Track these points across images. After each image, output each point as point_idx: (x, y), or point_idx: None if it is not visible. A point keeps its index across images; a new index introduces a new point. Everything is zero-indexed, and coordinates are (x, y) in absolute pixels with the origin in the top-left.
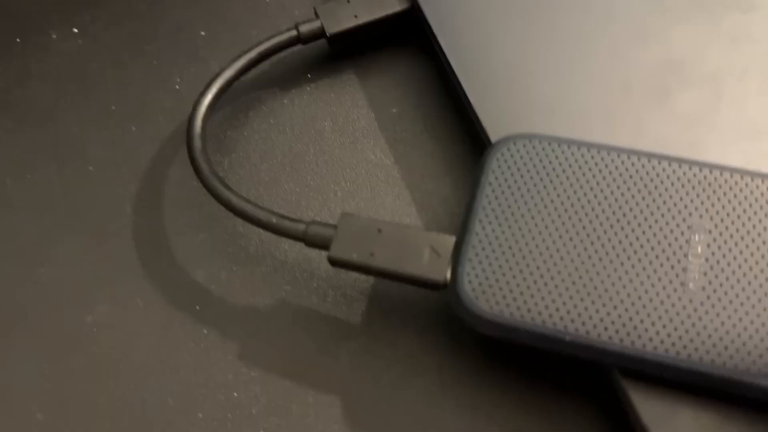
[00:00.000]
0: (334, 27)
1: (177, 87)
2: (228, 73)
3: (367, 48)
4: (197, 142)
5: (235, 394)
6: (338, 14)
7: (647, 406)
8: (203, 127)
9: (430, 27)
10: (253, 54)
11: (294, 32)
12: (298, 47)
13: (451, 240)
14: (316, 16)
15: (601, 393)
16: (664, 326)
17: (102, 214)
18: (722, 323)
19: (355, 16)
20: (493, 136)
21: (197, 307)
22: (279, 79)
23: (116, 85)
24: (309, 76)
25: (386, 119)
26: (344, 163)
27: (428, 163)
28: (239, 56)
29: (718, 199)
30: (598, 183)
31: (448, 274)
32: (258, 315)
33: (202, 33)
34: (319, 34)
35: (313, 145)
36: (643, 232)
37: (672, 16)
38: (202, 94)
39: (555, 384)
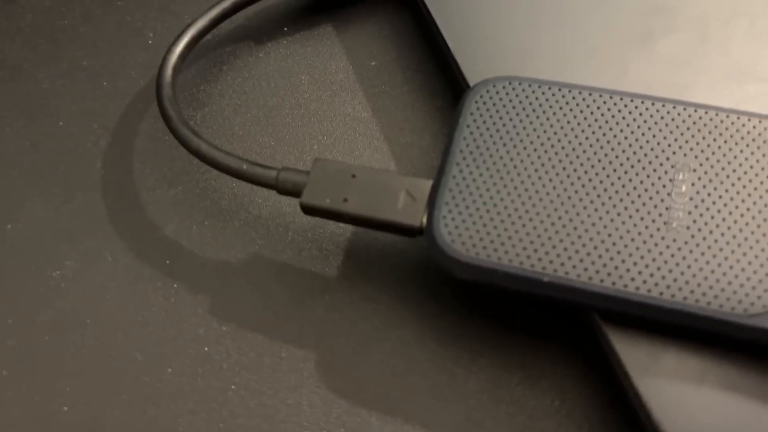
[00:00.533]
0: None
1: (150, 42)
2: (201, 23)
3: (345, 0)
4: (167, 90)
5: (206, 349)
6: None
7: (629, 351)
8: (174, 76)
9: None
10: (227, 4)
11: None
12: None
13: (428, 184)
14: None
15: (580, 342)
16: (646, 266)
17: (71, 170)
18: (707, 262)
19: None
20: (473, 81)
21: (167, 262)
22: (254, 33)
23: (88, 41)
24: (285, 29)
25: (365, 72)
26: (321, 116)
27: (407, 116)
28: (213, 6)
29: (703, 137)
30: (579, 123)
31: (424, 219)
32: (230, 269)
33: None
34: None
35: (289, 99)
36: (625, 172)
37: None
38: (174, 42)
39: (533, 335)
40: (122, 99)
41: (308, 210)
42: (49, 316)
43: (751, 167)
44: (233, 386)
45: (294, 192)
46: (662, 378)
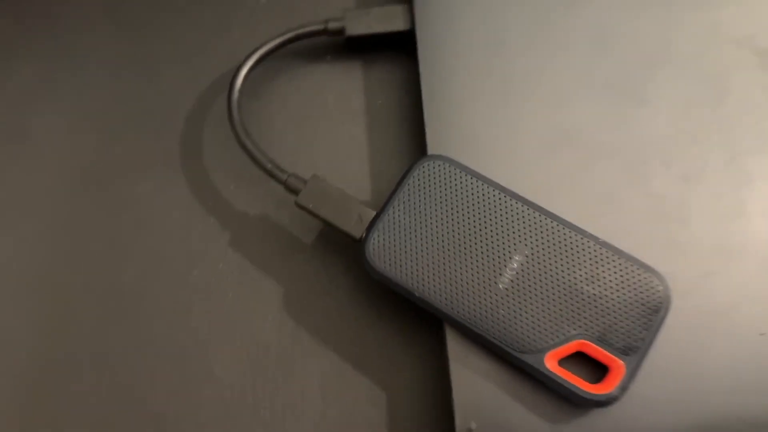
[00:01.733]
0: (352, 30)
1: (234, 38)
2: (267, 47)
3: (375, 48)
4: (235, 96)
5: (220, 266)
6: (359, 21)
7: (454, 344)
8: (242, 84)
9: (417, 51)
10: (289, 35)
11: (323, 26)
12: (324, 37)
13: (372, 213)
14: (343, 18)
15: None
16: (474, 305)
17: (162, 119)
18: (509, 314)
19: (370, 26)
20: (431, 148)
21: (210, 203)
22: (306, 55)
23: (194, 21)
24: (328, 58)
25: (371, 107)
26: (333, 132)
27: (388, 149)
28: (279, 35)
29: (541, 236)
30: (472, 204)
31: (363, 234)
32: (248, 220)
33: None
34: (341, 32)
35: (315, 112)
36: (487, 244)
37: (584, 91)
38: (245, 60)
39: (418, 316)
40: (208, 77)
41: (299, 206)
42: (132, 216)
43: (559, 267)
44: (230, 294)
45: (294, 192)
46: (467, 368)
